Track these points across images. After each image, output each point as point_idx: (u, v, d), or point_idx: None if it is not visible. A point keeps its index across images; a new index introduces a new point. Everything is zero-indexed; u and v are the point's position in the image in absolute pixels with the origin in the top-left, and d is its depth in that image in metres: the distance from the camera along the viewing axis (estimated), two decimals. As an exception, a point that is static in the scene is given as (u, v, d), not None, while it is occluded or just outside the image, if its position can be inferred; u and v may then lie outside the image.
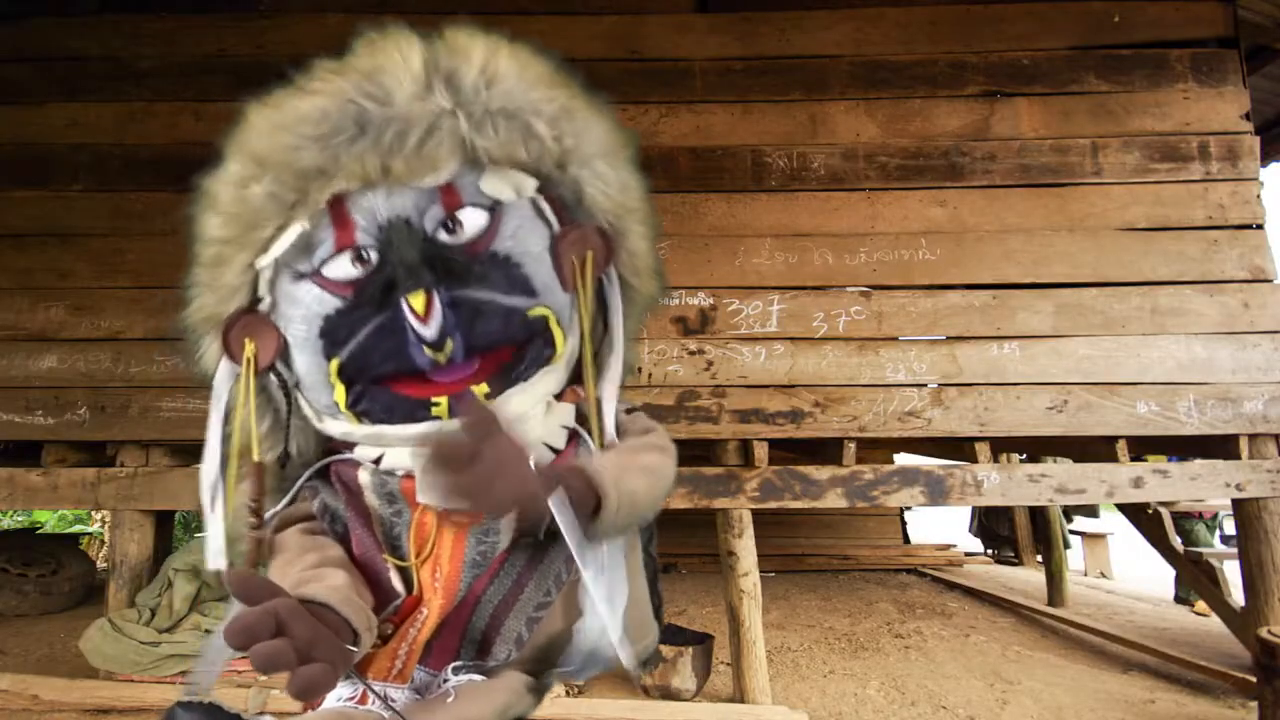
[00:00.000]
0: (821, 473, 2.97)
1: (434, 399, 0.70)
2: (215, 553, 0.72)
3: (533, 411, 0.73)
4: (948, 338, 3.06)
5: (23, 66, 3.25)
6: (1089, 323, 3.03)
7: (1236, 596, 3.28)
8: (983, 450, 3.04)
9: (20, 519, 7.06)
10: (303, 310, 0.71)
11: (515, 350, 0.72)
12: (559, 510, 0.59)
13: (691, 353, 3.01)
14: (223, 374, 0.75)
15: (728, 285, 3.07)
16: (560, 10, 3.28)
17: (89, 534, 7.04)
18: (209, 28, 3.26)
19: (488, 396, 0.70)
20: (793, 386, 3.00)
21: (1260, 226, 3.12)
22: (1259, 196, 3.15)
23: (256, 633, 0.48)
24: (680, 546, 5.72)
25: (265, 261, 0.71)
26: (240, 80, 3.20)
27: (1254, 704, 2.65)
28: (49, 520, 7.35)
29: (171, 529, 4.11)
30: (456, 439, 0.55)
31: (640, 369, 2.97)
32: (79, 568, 4.59)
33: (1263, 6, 3.31)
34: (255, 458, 0.73)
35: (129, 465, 3.01)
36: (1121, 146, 3.16)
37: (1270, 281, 3.06)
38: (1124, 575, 6.10)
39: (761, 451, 2.98)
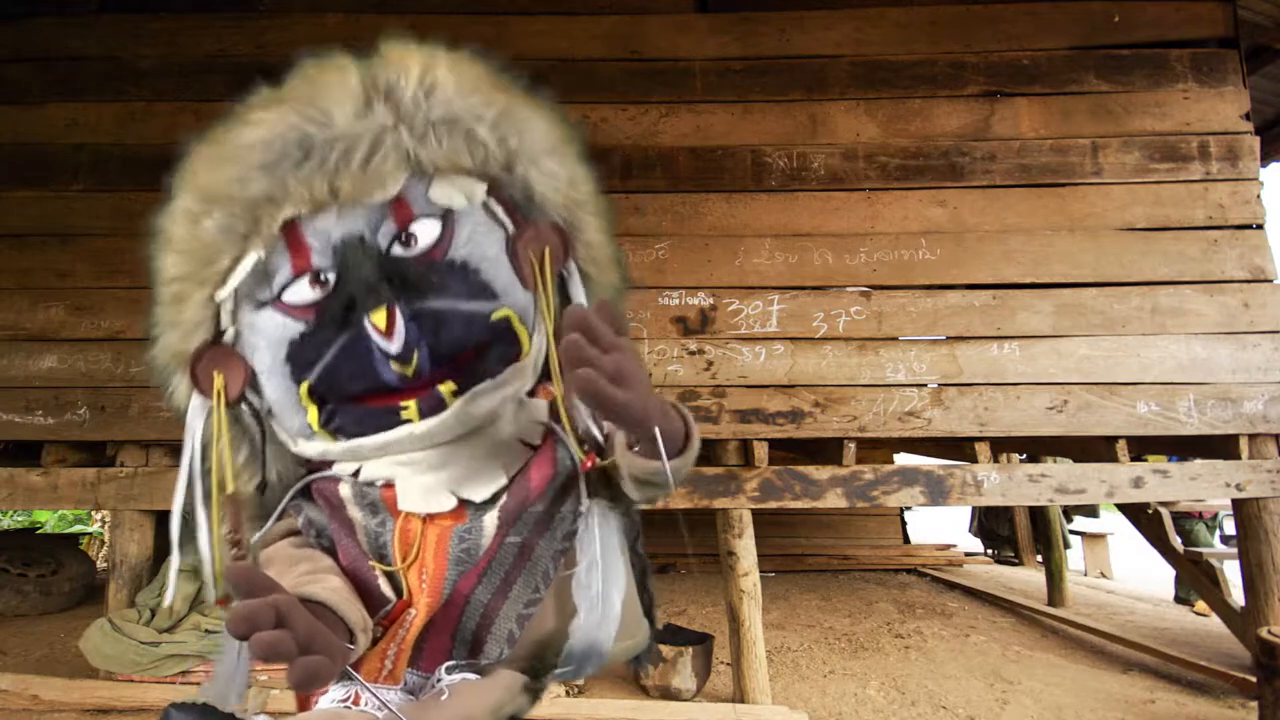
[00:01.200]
0: (821, 473, 2.97)
1: (402, 404, 0.70)
2: (174, 583, 0.73)
3: (505, 409, 0.73)
4: (948, 338, 3.06)
5: (23, 66, 3.25)
6: (1089, 323, 3.03)
7: (1236, 596, 3.28)
8: (983, 450, 3.04)
9: (20, 519, 7.06)
10: (267, 338, 0.71)
11: (478, 350, 0.72)
12: (663, 433, 0.59)
13: (691, 353, 3.02)
14: (194, 409, 0.75)
15: (728, 285, 3.07)
16: (560, 10, 3.28)
17: (89, 534, 7.03)
18: (209, 28, 3.26)
19: (455, 394, 0.70)
20: (793, 386, 3.00)
21: (1260, 226, 3.12)
22: (1259, 196, 3.15)
23: (257, 621, 0.48)
24: (680, 546, 5.72)
25: (224, 294, 0.71)
26: (240, 80, 3.15)
27: (1254, 704, 2.65)
28: (49, 520, 7.35)
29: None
30: (598, 325, 0.54)
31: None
32: (79, 568, 4.60)
33: (1263, 6, 3.32)
34: (230, 490, 0.73)
35: (129, 465, 3.01)
36: (1121, 146, 3.16)
37: (1270, 281, 3.07)
38: (1124, 575, 6.10)
39: (761, 451, 2.98)
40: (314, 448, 0.75)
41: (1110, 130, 3.18)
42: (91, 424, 2.99)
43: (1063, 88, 3.21)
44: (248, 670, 0.64)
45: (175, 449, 3.04)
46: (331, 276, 0.69)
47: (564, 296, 0.80)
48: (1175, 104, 3.19)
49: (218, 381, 0.72)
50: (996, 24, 3.27)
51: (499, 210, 0.77)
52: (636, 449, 0.65)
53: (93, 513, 7.23)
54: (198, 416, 0.74)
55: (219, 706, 0.62)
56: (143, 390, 3.00)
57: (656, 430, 0.59)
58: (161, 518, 3.16)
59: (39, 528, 6.64)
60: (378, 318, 0.66)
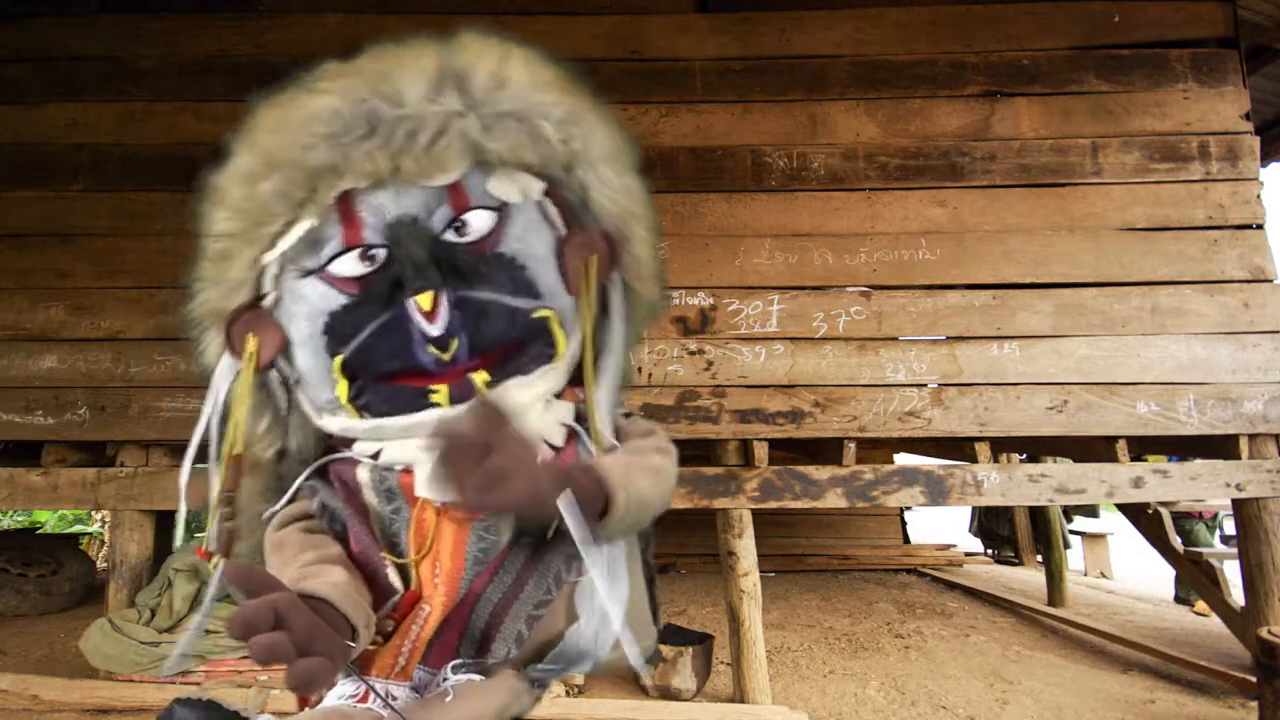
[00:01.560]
0: (821, 473, 2.97)
1: (433, 387, 0.70)
2: (208, 539, 0.73)
3: (532, 407, 0.74)
4: (948, 338, 3.06)
5: (23, 66, 3.25)
6: (1089, 323, 3.03)
7: (1236, 596, 3.28)
8: (983, 450, 3.04)
9: (20, 519, 7.06)
10: (308, 307, 0.71)
11: (515, 346, 0.72)
12: (568, 511, 0.59)
13: (691, 353, 3.02)
14: (223, 369, 0.75)
15: (728, 285, 3.07)
16: (560, 10, 3.28)
17: (89, 534, 7.03)
18: (209, 28, 3.26)
19: (487, 385, 0.70)
20: (793, 386, 3.00)
21: (1260, 226, 3.12)
22: (1259, 196, 3.15)
23: (255, 624, 0.48)
24: (680, 546, 5.72)
25: (271, 257, 0.71)
26: (240, 80, 3.20)
27: (1254, 704, 2.65)
28: (49, 520, 7.35)
29: (172, 529, 4.11)
30: (467, 434, 0.55)
31: (640, 369, 2.97)
32: (79, 568, 4.59)
33: (1263, 6, 3.32)
34: (239, 451, 0.73)
35: (129, 465, 3.01)
36: (1121, 146, 3.16)
37: (1270, 281, 3.07)
38: (1124, 575, 6.10)
39: (761, 451, 2.98)
40: (337, 423, 0.75)
41: (1110, 130, 3.18)
42: (91, 424, 2.99)
43: (1063, 88, 3.21)
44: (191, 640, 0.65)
45: (175, 449, 3.05)
46: (381, 253, 0.69)
47: (603, 306, 0.80)
48: (1175, 104, 3.19)
49: (251, 344, 0.72)
50: (996, 24, 3.27)
51: (553, 211, 0.77)
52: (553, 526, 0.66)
53: (93, 513, 7.23)
54: (224, 377, 0.74)
55: (180, 666, 0.63)
56: (143, 390, 3.00)
57: (565, 502, 0.59)
58: (162, 518, 3.16)
59: (39, 528, 6.64)
60: (423, 300, 0.66)
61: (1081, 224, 3.11)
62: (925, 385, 3.01)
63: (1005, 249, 3.09)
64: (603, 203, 0.78)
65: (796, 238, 3.10)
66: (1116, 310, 3.03)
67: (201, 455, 0.75)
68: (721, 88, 3.22)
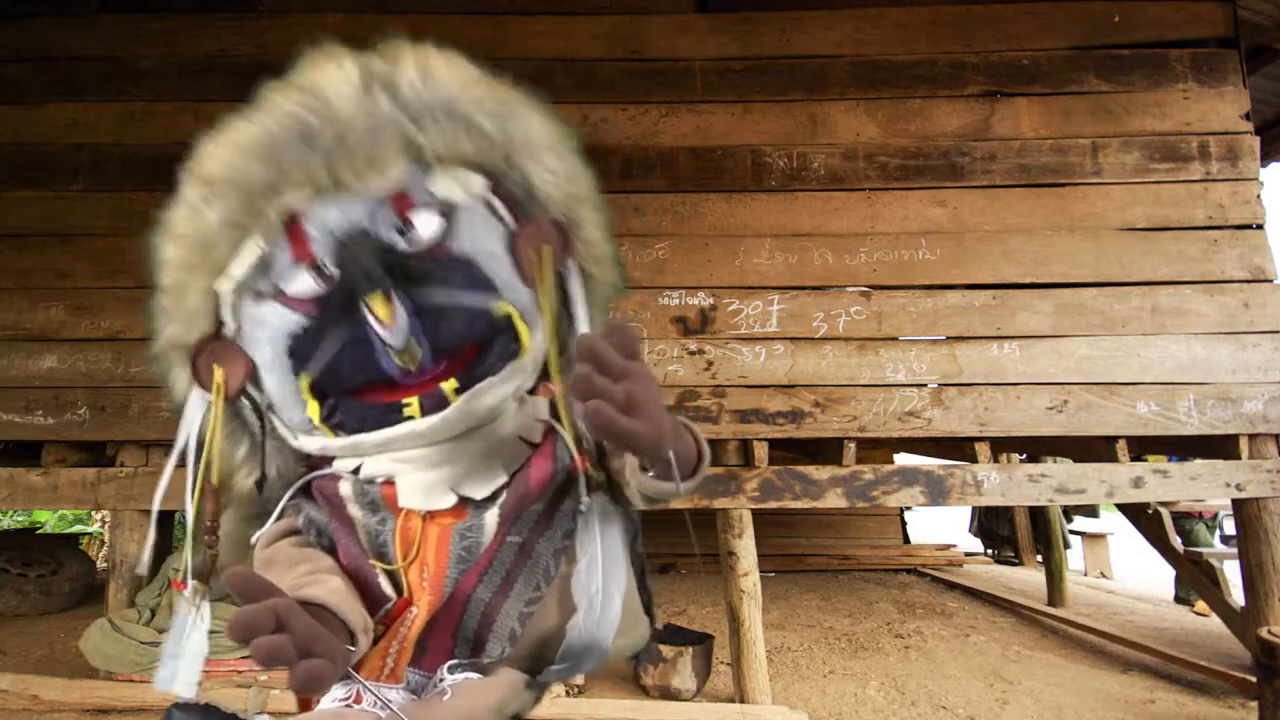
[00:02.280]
0: (821, 473, 2.97)
1: (405, 400, 0.70)
2: (185, 571, 0.73)
3: (506, 406, 0.73)
4: (948, 338, 3.06)
5: (23, 66, 3.25)
6: (1089, 323, 3.03)
7: (1236, 596, 3.28)
8: (983, 450, 3.04)
9: (20, 519, 7.06)
10: (268, 331, 0.71)
11: (480, 347, 0.72)
12: (675, 460, 0.60)
13: (691, 353, 3.02)
14: (193, 402, 0.75)
15: (728, 285, 3.07)
16: (560, 10, 3.28)
17: (89, 534, 7.03)
18: (209, 28, 3.26)
19: (457, 391, 0.70)
20: (793, 386, 3.00)
21: (1260, 226, 3.12)
22: (1259, 196, 3.15)
23: (257, 627, 0.48)
24: (680, 546, 5.72)
25: (225, 284, 0.71)
26: (240, 80, 3.19)
27: (1254, 704, 2.65)
28: (49, 520, 7.35)
29: (172, 529, 4.11)
30: (611, 355, 0.53)
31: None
32: (79, 568, 4.60)
33: (1263, 6, 3.32)
34: (215, 481, 0.73)
35: (129, 465, 3.01)
36: (1121, 146, 3.16)
37: (1270, 281, 3.07)
38: (1124, 575, 6.10)
39: (761, 451, 2.98)
40: (314, 443, 0.75)
41: (1110, 130, 3.18)
42: (91, 424, 2.99)
43: (1063, 88, 3.22)
44: (201, 654, 0.65)
45: (175, 449, 3.05)
46: (333, 268, 0.69)
47: (563, 294, 0.80)
48: (1175, 104, 3.19)
49: (218, 375, 0.73)
50: (996, 24, 3.27)
51: (499, 206, 0.77)
52: (651, 472, 0.65)
53: (93, 513, 7.23)
54: (196, 409, 0.75)
55: (166, 687, 0.62)
56: (143, 390, 3.00)
57: (671, 456, 0.59)
58: (162, 518, 3.16)
59: (39, 528, 6.64)
60: (379, 308, 0.66)
61: (1081, 224, 3.11)
62: (925, 385, 3.01)
63: (1005, 249, 3.09)
64: (548, 190, 0.77)
65: (796, 238, 3.11)
66: (1116, 310, 3.03)
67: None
68: (721, 88, 3.22)
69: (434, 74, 0.71)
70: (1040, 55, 3.24)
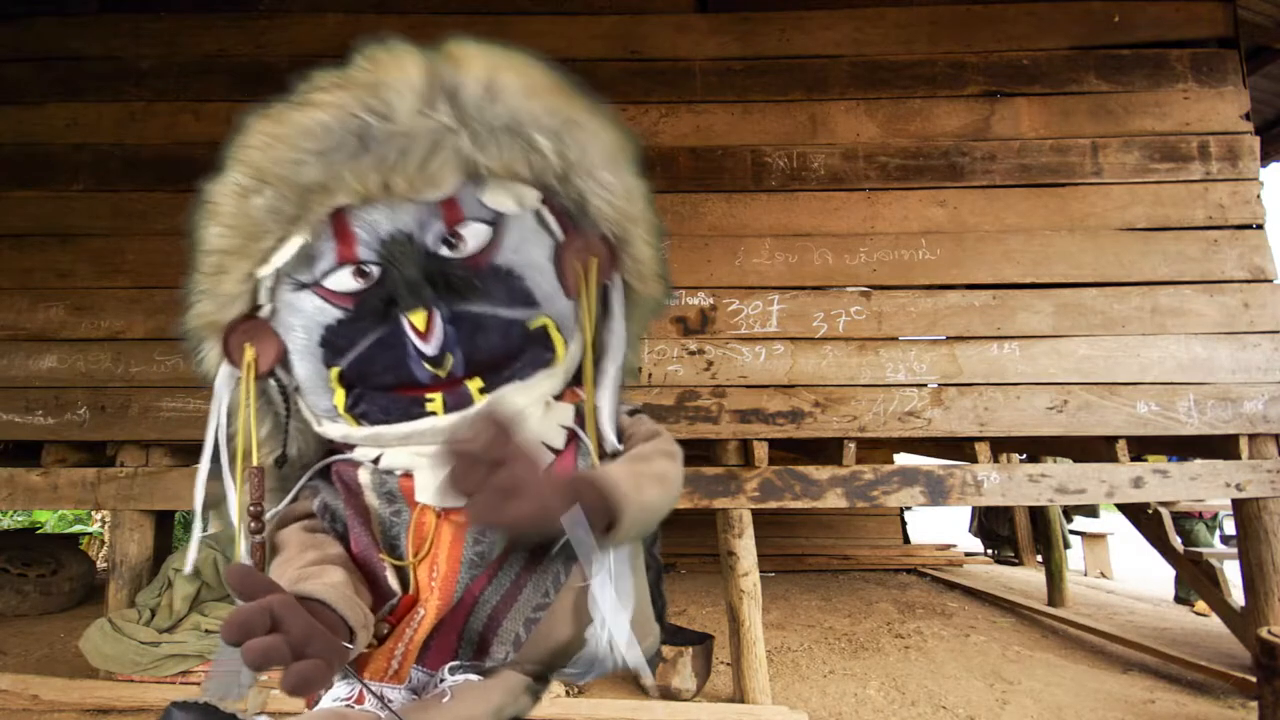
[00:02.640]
0: (821, 473, 2.97)
1: (429, 395, 0.70)
2: (194, 553, 0.73)
3: (531, 410, 0.73)
4: (948, 338, 3.06)
5: (23, 66, 3.25)
6: (1089, 323, 3.03)
7: (1236, 596, 3.28)
8: (983, 450, 3.04)
9: (20, 519, 7.06)
10: (304, 319, 0.72)
11: (512, 355, 0.73)
12: (574, 526, 0.59)
13: (691, 353, 3.02)
14: (223, 378, 0.75)
15: (728, 285, 3.07)
16: (560, 10, 3.28)
17: (89, 534, 7.03)
18: (209, 28, 3.26)
19: (482, 391, 0.70)
20: (793, 386, 3.00)
21: (1260, 226, 3.12)
22: (1259, 196, 3.15)
23: (251, 628, 0.48)
24: (680, 546, 5.72)
25: (266, 271, 0.71)
26: (240, 80, 3.20)
27: (1254, 704, 2.65)
28: (49, 520, 7.35)
29: (171, 529, 4.11)
30: (474, 449, 0.55)
31: (640, 369, 2.97)
32: (79, 568, 4.59)
33: (1263, 6, 3.31)
34: (255, 461, 0.73)
35: (129, 465, 3.01)
36: (1121, 146, 3.16)
37: (1270, 281, 3.07)
38: (1124, 575, 6.10)
39: (761, 451, 2.98)
40: (337, 430, 0.75)
41: (1110, 130, 3.18)
42: (91, 424, 2.99)
43: (1063, 88, 3.21)
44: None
45: (175, 449, 3.05)
46: (375, 269, 0.69)
47: (605, 306, 0.80)
48: (1175, 104, 3.19)
49: (249, 354, 0.73)
50: (996, 24, 3.27)
51: (550, 219, 0.77)
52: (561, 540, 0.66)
53: (93, 513, 7.23)
54: (225, 385, 0.75)
55: (220, 703, 0.62)
56: (143, 390, 3.00)
57: (580, 513, 0.59)
58: (162, 518, 3.17)
59: (39, 528, 6.64)
60: (417, 319, 0.66)
61: (1081, 224, 3.11)
62: (925, 385, 3.01)
63: (1005, 249, 3.09)
64: (601, 207, 0.77)
65: (796, 238, 3.10)
66: (1116, 310, 3.03)
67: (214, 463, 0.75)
68: (721, 88, 3.22)
69: (500, 87, 0.70)
70: (1040, 55, 3.24)
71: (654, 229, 0.82)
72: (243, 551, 0.73)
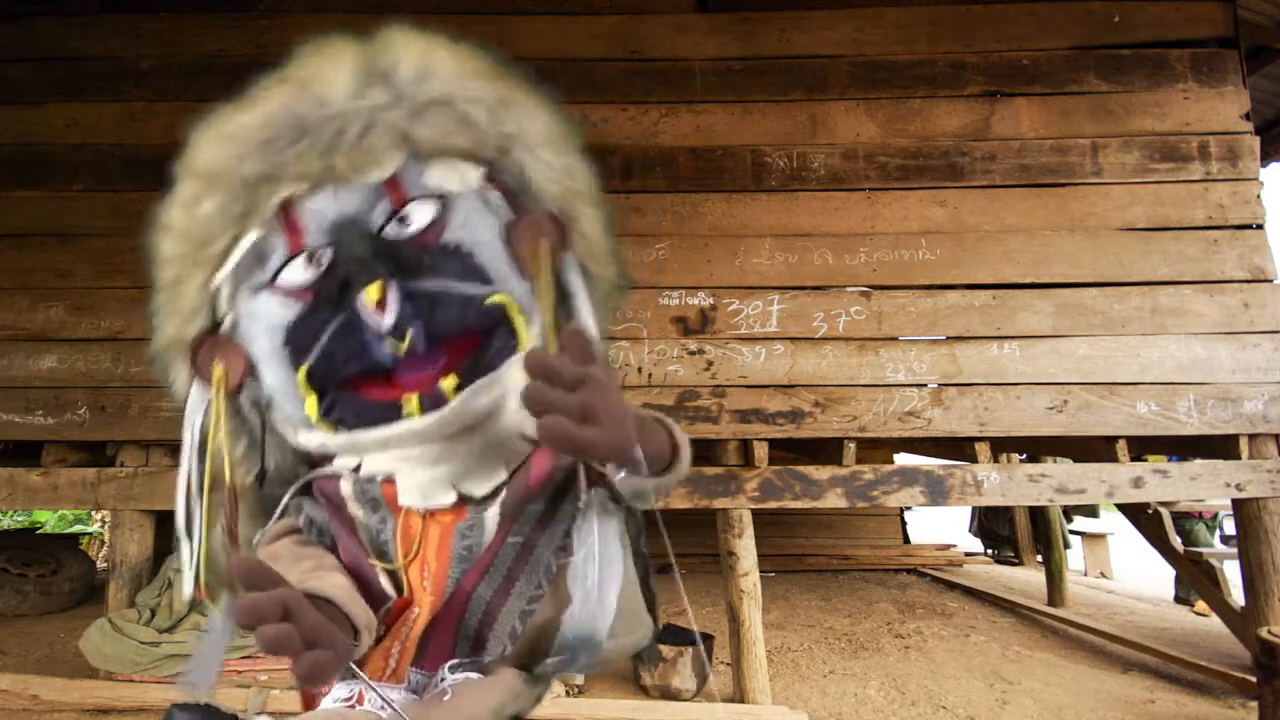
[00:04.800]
0: (821, 473, 2.97)
1: (404, 397, 0.70)
2: (192, 576, 0.73)
3: (505, 402, 0.73)
4: (948, 338, 3.06)
5: (23, 66, 3.25)
6: (1089, 323, 3.03)
7: (1236, 596, 3.28)
8: (983, 450, 3.04)
9: (20, 519, 7.06)
10: (264, 323, 0.71)
11: (480, 341, 0.72)
12: (636, 462, 0.57)
13: (691, 353, 3.02)
14: (195, 399, 0.75)
15: (728, 285, 3.07)
16: (560, 10, 3.28)
17: (89, 534, 7.04)
18: (209, 28, 3.26)
19: (457, 388, 0.70)
20: (793, 386, 3.00)
21: (1260, 226, 3.12)
22: (1259, 196, 3.15)
23: (264, 613, 0.48)
24: (680, 546, 5.72)
25: (222, 277, 0.72)
26: (240, 80, 3.19)
27: (1254, 704, 2.65)
28: (49, 520, 7.35)
29: (171, 529, 4.11)
30: (561, 365, 0.53)
31: (640, 369, 2.97)
32: (79, 568, 4.60)
33: (1263, 6, 3.32)
34: (228, 481, 0.73)
35: (129, 465, 3.01)
36: (1121, 146, 3.16)
37: (1270, 281, 3.07)
38: (1124, 575, 6.10)
39: (761, 451, 2.98)
40: (314, 439, 0.75)
41: (1110, 130, 3.18)
42: (91, 424, 2.99)
43: (1063, 88, 3.22)
44: (222, 655, 0.65)
45: (175, 449, 3.03)
46: (326, 256, 0.69)
47: (560, 288, 0.79)
48: (1175, 104, 3.19)
49: (218, 370, 0.73)
50: (996, 24, 3.27)
51: (495, 197, 0.77)
52: (623, 473, 0.65)
53: (93, 513, 7.23)
54: (198, 407, 0.75)
55: (196, 688, 0.62)
56: (143, 390, 3.00)
57: (639, 454, 0.57)
58: (162, 518, 3.16)
59: (39, 528, 6.64)
60: (370, 293, 0.66)
61: (1081, 224, 3.11)
62: (925, 385, 3.01)
63: (1005, 249, 3.09)
64: (545, 185, 0.77)
65: (796, 238, 3.11)
66: (1116, 310, 3.03)
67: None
68: (721, 88, 3.22)
69: (434, 66, 0.71)
70: (1040, 55, 3.24)
71: (601, 207, 0.82)
72: (203, 573, 0.72)
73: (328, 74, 0.69)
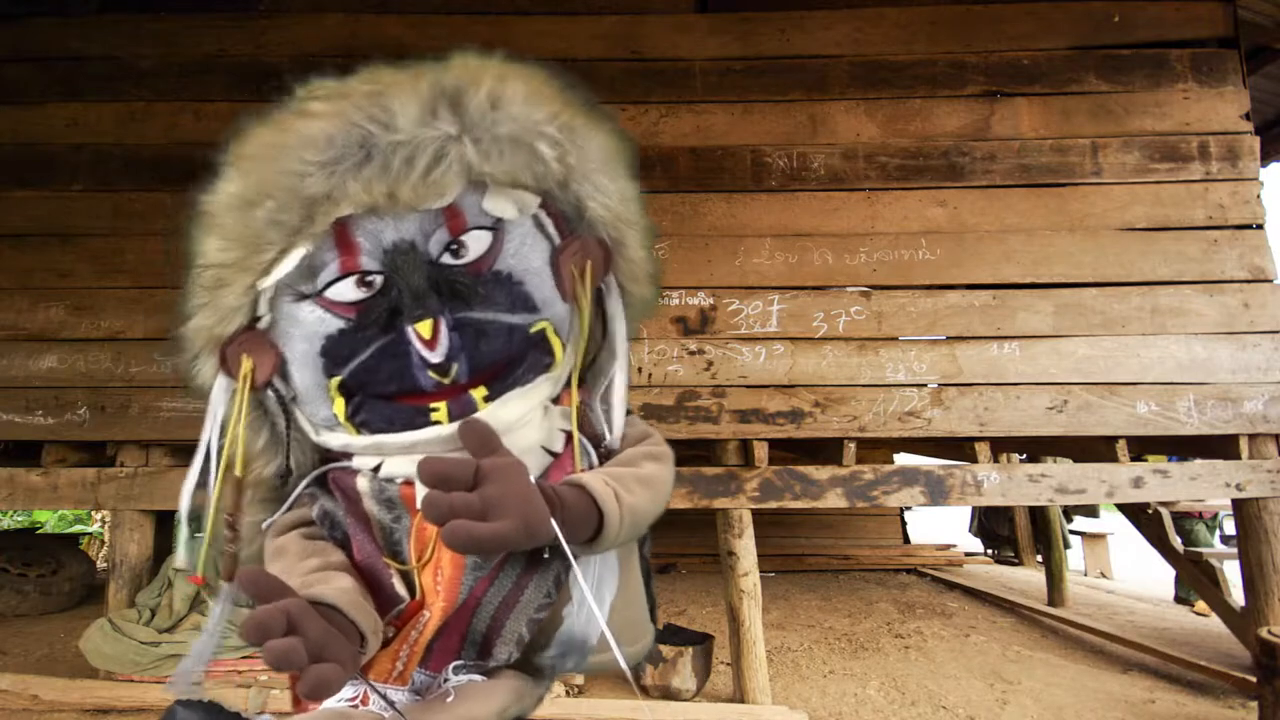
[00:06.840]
0: (821, 473, 2.97)
1: (433, 405, 0.70)
2: (196, 559, 0.73)
3: (531, 416, 0.73)
4: (948, 338, 3.06)
5: (23, 66, 3.25)
6: (1089, 323, 3.03)
7: (1236, 596, 3.28)
8: (983, 450, 3.04)
9: (20, 519, 7.06)
10: (304, 330, 0.71)
11: (513, 361, 0.72)
12: (560, 536, 0.58)
13: (691, 353, 3.02)
14: (219, 390, 0.74)
15: (728, 285, 3.07)
16: (560, 10, 3.28)
17: (89, 534, 7.04)
18: (209, 28, 3.26)
19: (486, 399, 0.70)
20: (793, 386, 3.00)
21: (1260, 226, 3.12)
22: (1259, 196, 3.15)
23: (270, 628, 0.48)
24: (680, 546, 5.72)
25: (267, 284, 0.71)
26: (240, 80, 3.20)
27: (1254, 704, 2.65)
28: (49, 520, 7.36)
29: (171, 529, 4.11)
30: (455, 465, 0.54)
31: (640, 369, 2.97)
32: (79, 568, 4.60)
33: (1263, 6, 3.32)
34: (238, 473, 0.72)
35: (129, 465, 3.01)
36: (1121, 146, 3.16)
37: (1270, 281, 3.07)
38: (1124, 575, 6.10)
39: (761, 451, 2.98)
40: (337, 439, 0.75)
41: (1110, 130, 3.18)
42: (91, 424, 2.99)
43: (1063, 88, 3.22)
44: (213, 649, 0.65)
45: (175, 449, 3.05)
46: (378, 279, 0.69)
47: (599, 308, 0.81)
48: (1175, 104, 3.19)
49: (245, 365, 0.72)
50: (996, 24, 3.27)
51: (548, 223, 0.77)
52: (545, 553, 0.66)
53: (93, 513, 7.23)
54: (221, 398, 0.74)
55: (186, 683, 0.62)
56: (143, 390, 3.00)
57: (557, 529, 0.58)
58: (162, 518, 3.16)
59: (39, 528, 6.64)
60: (423, 328, 0.66)
61: (1081, 224, 3.11)
62: (925, 385, 3.01)
63: (1005, 249, 3.09)
64: (598, 210, 0.77)
65: (796, 238, 3.11)
66: (1116, 310, 3.03)
67: (204, 474, 0.75)
68: (721, 88, 3.22)
69: (502, 95, 0.70)
70: (1040, 55, 3.24)
71: (647, 230, 0.82)
72: (208, 562, 0.72)
73: (397, 93, 0.66)
